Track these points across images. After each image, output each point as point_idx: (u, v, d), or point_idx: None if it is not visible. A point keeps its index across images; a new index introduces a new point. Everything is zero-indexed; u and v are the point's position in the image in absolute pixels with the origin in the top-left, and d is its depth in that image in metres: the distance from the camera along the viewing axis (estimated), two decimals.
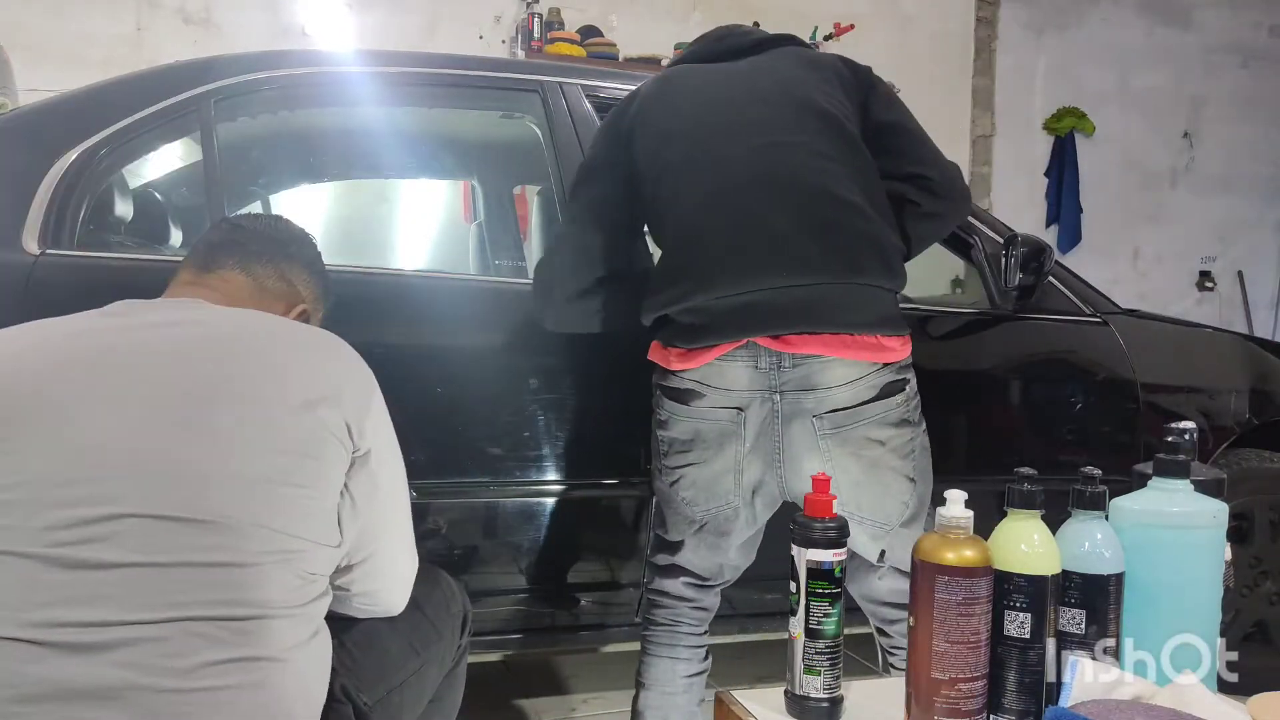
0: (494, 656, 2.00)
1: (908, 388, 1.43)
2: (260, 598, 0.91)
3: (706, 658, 1.59)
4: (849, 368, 1.37)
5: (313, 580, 0.98)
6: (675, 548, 1.53)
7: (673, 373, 1.44)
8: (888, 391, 1.40)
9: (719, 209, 1.42)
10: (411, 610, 1.18)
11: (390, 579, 1.14)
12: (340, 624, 1.08)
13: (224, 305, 1.13)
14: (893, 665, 1.52)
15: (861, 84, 1.55)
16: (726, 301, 1.38)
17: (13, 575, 0.87)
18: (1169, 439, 1.06)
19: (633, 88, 2.07)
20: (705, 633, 1.60)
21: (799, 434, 1.40)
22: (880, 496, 1.42)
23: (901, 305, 2.27)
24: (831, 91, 1.49)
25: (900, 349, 1.41)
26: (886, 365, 1.40)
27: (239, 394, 0.97)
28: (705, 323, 1.40)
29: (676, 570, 1.55)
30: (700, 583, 1.56)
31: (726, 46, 1.59)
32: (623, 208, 1.55)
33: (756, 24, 4.40)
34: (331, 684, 1.02)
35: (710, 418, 1.43)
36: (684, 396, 1.44)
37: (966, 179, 1.64)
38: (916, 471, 1.44)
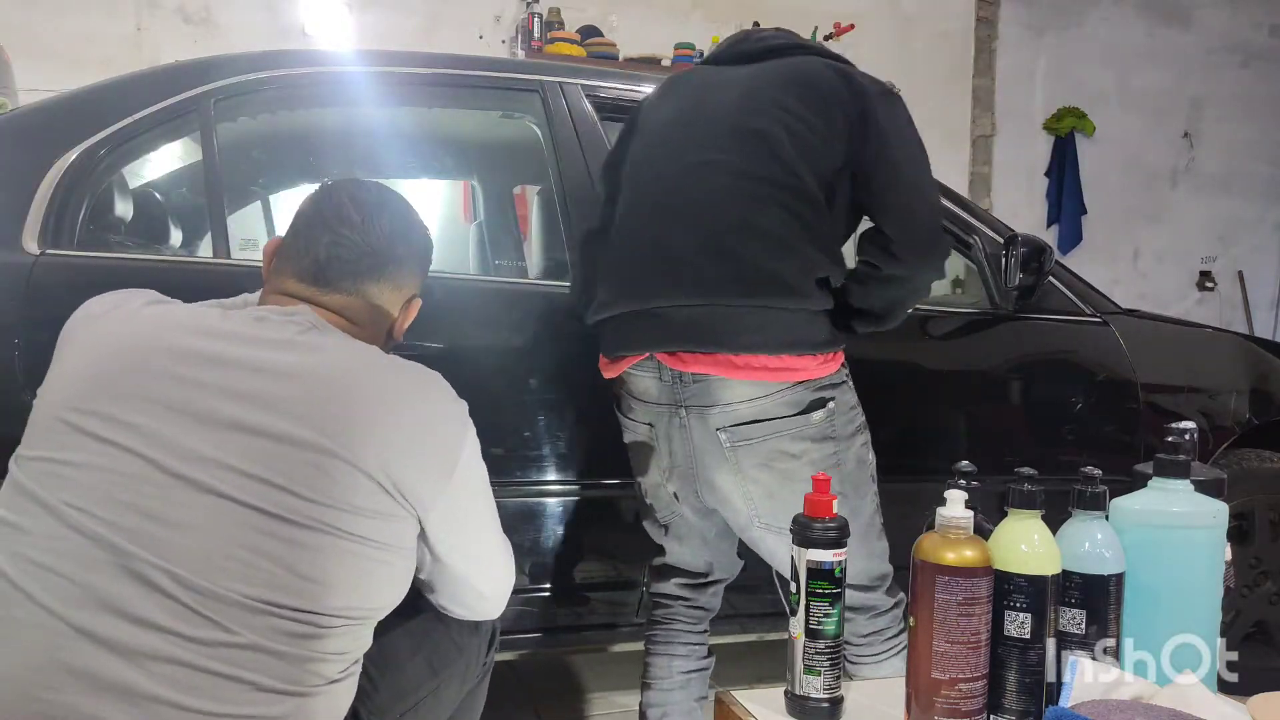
0: (498, 657, 2.00)
1: (830, 404, 1.40)
2: (322, 650, 0.94)
3: (708, 655, 1.61)
4: (749, 386, 1.37)
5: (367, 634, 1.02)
6: (660, 549, 1.59)
7: (609, 380, 1.53)
8: (806, 408, 1.39)
9: (634, 226, 1.47)
10: (434, 626, 1.17)
11: (481, 598, 1.18)
12: None
13: (341, 325, 1.11)
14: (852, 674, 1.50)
15: (853, 108, 1.41)
16: (629, 315, 1.44)
17: (83, 556, 0.90)
18: (1169, 439, 1.06)
19: (632, 87, 2.09)
20: (705, 631, 1.61)
21: (707, 446, 1.43)
22: (798, 508, 1.38)
23: None
24: (795, 109, 1.41)
25: (815, 368, 1.38)
26: (799, 384, 1.38)
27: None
28: (615, 333, 1.47)
29: (669, 570, 1.60)
30: (693, 581, 1.58)
31: (739, 50, 1.57)
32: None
33: (756, 24, 4.42)
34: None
35: (636, 428, 1.52)
36: (619, 403, 1.54)
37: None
38: (845, 485, 1.40)
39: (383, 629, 1.11)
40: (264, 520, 0.92)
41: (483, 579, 1.16)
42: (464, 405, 1.11)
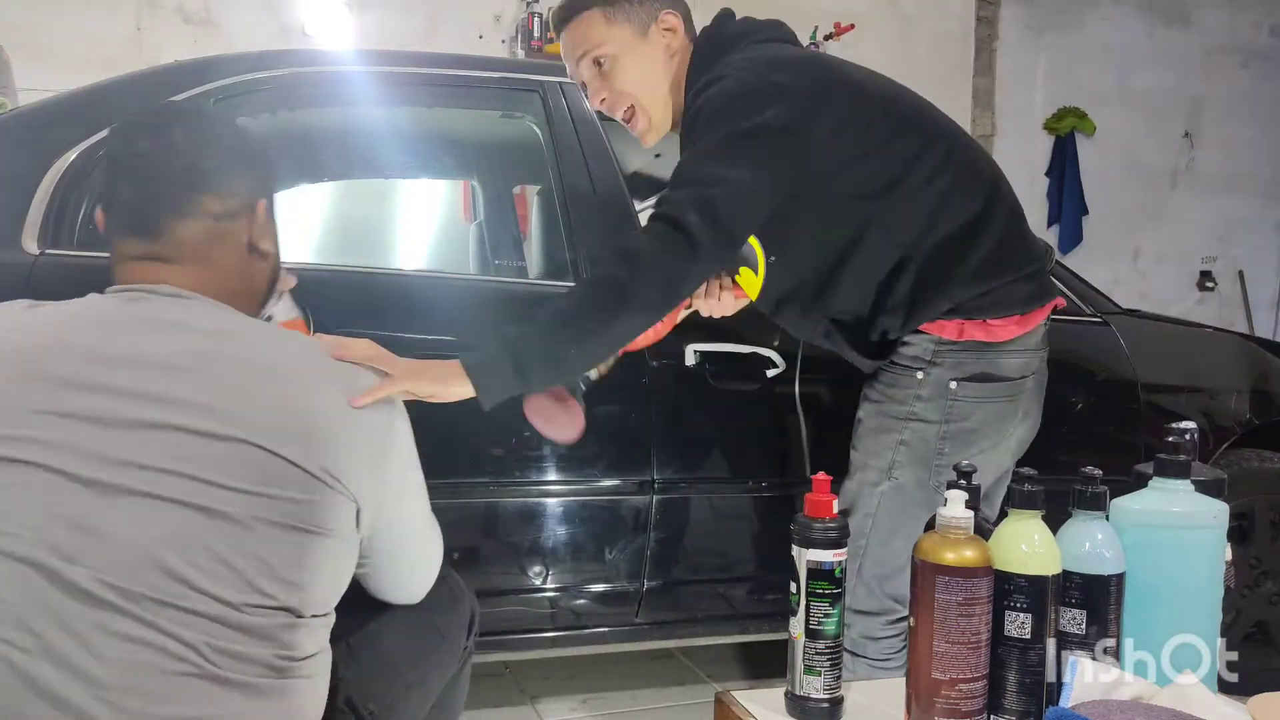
0: (494, 657, 2.00)
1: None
2: (275, 644, 0.92)
3: None
4: None
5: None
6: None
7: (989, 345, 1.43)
8: None
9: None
10: (416, 612, 1.17)
11: (411, 581, 1.16)
12: (343, 626, 1.07)
13: (197, 284, 1.03)
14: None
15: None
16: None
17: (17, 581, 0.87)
18: (1169, 439, 1.06)
19: None
20: None
21: None
22: None
23: None
24: None
25: None
26: None
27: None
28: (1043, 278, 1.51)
29: None
30: None
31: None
32: None
33: None
34: (335, 694, 1.02)
35: (1020, 386, 1.48)
36: (995, 370, 1.45)
37: None
38: None
39: (369, 618, 1.11)
40: (193, 515, 0.89)
41: (419, 559, 1.15)
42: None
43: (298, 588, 0.93)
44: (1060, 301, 1.51)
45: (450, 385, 1.18)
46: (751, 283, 1.51)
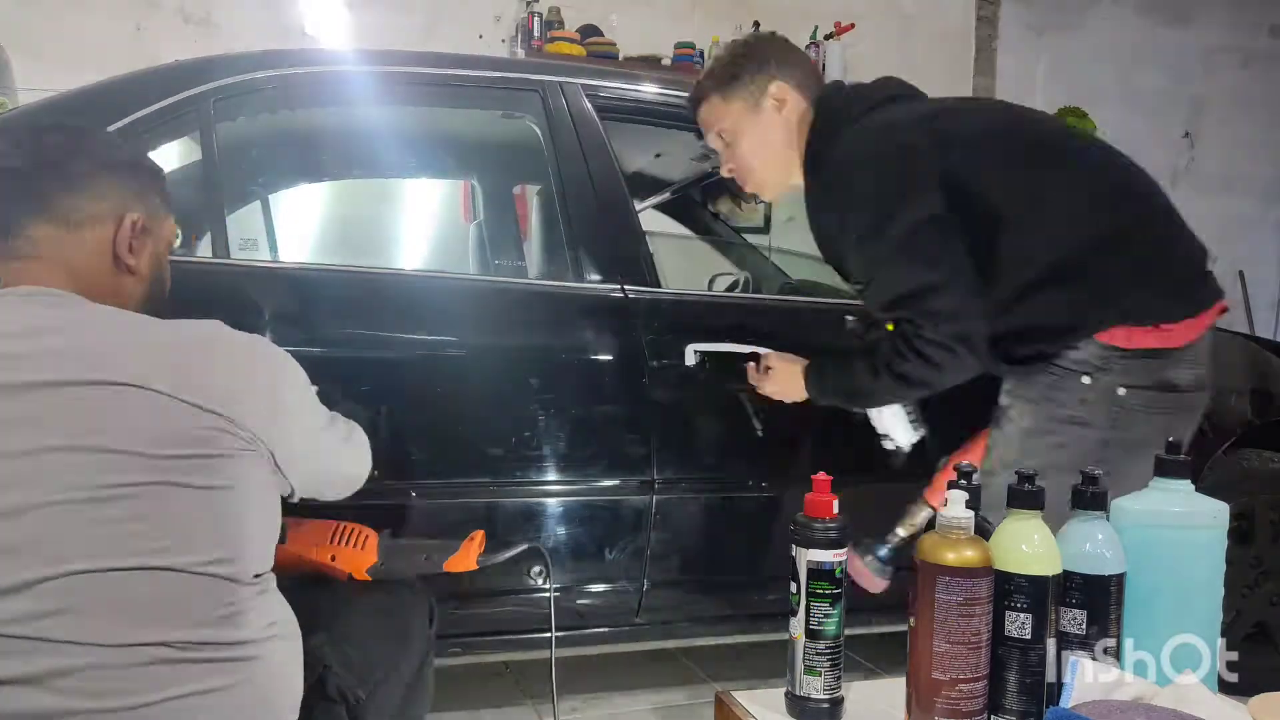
0: (494, 657, 2.00)
1: None
2: (223, 616, 0.92)
3: None
4: None
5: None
6: None
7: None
8: None
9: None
10: (384, 602, 1.19)
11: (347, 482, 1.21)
12: (327, 617, 1.09)
13: (55, 285, 1.01)
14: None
15: None
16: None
17: None
18: (1169, 439, 1.06)
19: (632, 87, 2.08)
20: None
21: None
22: None
23: None
24: None
25: None
26: None
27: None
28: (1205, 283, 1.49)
29: None
30: None
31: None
32: None
33: (756, 24, 4.42)
34: (324, 685, 1.03)
35: (1192, 400, 1.45)
36: (1172, 380, 1.42)
37: None
38: None
39: (344, 613, 1.14)
40: (99, 491, 0.88)
41: (341, 468, 1.18)
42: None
43: (221, 550, 0.93)
44: (1224, 304, 1.47)
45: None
46: None
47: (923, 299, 1.41)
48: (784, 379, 1.68)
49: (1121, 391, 1.38)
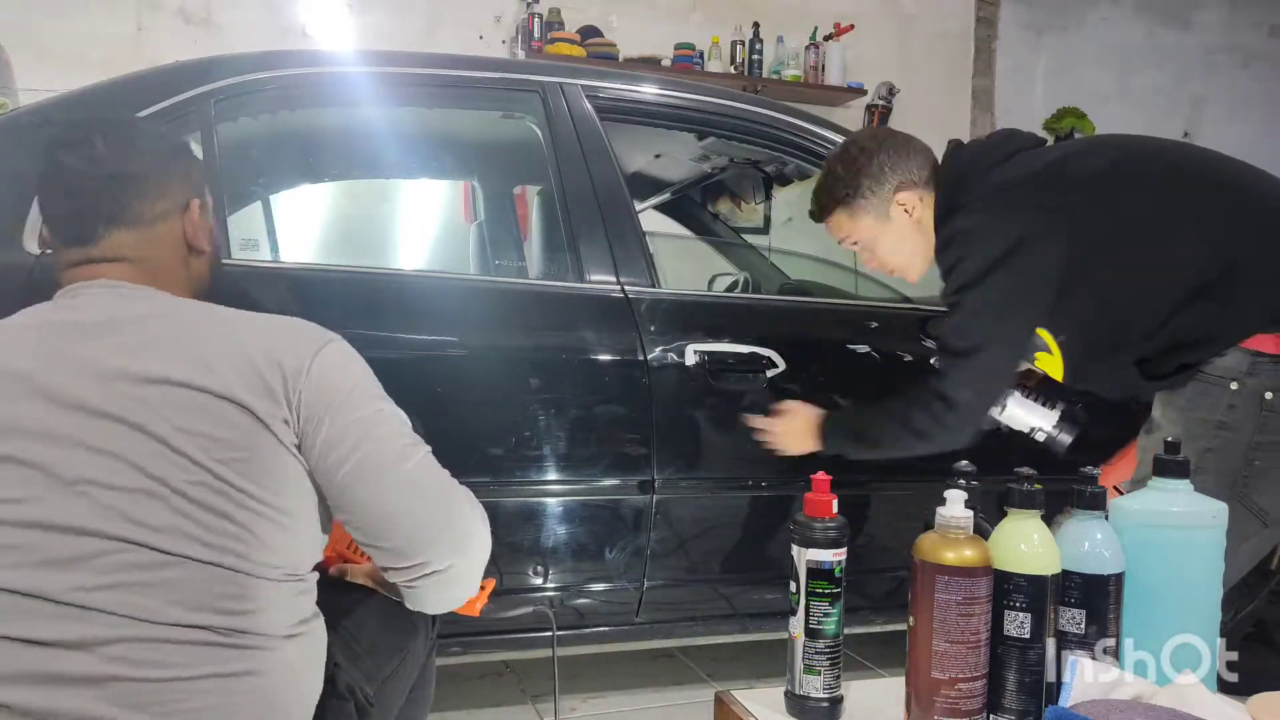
0: (494, 657, 2.00)
1: None
2: (260, 608, 0.95)
3: None
4: None
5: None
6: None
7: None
8: None
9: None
10: (389, 600, 1.19)
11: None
12: (333, 614, 1.09)
13: (140, 279, 1.07)
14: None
15: None
16: None
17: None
18: (1168, 439, 1.06)
19: (632, 87, 2.08)
20: None
21: None
22: None
23: (902, 305, 2.27)
24: None
25: None
26: None
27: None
28: None
29: None
30: None
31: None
32: None
33: (756, 25, 4.42)
34: (334, 682, 1.04)
35: None
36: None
37: None
38: None
39: (352, 610, 1.14)
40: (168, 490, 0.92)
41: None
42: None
43: (277, 556, 0.97)
44: None
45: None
46: (1051, 363, 1.55)
47: (964, 357, 1.49)
48: (798, 430, 1.70)
49: (1269, 396, 1.39)
